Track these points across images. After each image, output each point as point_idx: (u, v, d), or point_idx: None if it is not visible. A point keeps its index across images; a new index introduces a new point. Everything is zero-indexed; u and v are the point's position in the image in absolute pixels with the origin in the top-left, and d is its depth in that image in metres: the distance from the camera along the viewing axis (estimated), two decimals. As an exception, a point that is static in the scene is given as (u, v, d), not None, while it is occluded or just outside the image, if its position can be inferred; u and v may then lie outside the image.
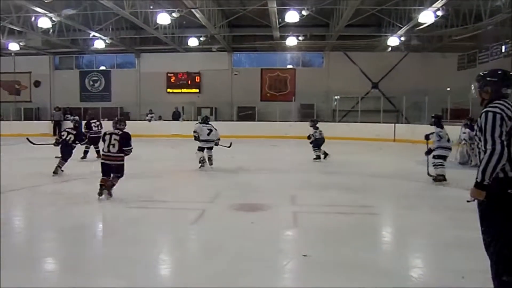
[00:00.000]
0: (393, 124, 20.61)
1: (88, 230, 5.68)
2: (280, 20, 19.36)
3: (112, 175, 7.13)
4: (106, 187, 7.01)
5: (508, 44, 19.28)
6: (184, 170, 11.24)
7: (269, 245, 4.84)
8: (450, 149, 9.45)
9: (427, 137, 9.61)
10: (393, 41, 20.99)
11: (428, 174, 9.23)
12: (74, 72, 27.46)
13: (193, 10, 17.01)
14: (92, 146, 12.52)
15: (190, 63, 26.13)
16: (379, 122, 20.69)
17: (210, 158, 10.79)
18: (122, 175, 7.22)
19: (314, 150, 12.41)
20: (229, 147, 11.49)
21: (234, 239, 5.04)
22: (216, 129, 10.86)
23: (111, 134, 7.18)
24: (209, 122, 11.11)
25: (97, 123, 12.96)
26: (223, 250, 4.63)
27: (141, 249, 4.67)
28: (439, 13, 16.10)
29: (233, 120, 24.04)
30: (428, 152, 9.32)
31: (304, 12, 17.09)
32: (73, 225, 5.62)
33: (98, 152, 11.92)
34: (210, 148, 10.80)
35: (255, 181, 9.22)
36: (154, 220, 6.00)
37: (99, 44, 22.13)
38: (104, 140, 7.22)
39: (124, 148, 7.09)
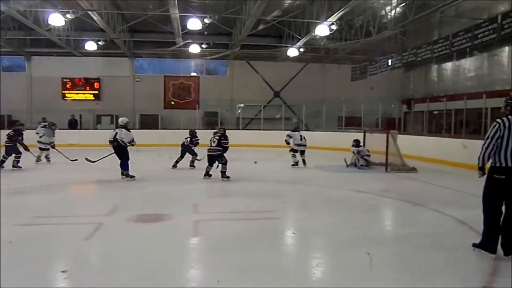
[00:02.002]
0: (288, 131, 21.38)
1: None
2: (182, 27, 19.26)
3: (217, 163, 10.31)
4: (210, 172, 10.41)
5: (394, 58, 20.98)
6: (82, 182, 10.72)
7: (170, 255, 4.76)
8: (301, 145, 13.18)
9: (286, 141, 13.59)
10: (292, 52, 21.86)
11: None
12: (-50, 76, 24.77)
13: (89, 12, 16.29)
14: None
15: (88, 68, 24.99)
16: (281, 130, 21.34)
17: (46, 156, 13.88)
18: (225, 162, 10.30)
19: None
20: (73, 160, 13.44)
21: (131, 252, 4.87)
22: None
23: (214, 135, 10.55)
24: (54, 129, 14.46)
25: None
26: (119, 265, 4.44)
27: (30, 270, 4.27)
28: (333, 27, 17.10)
29: (135, 128, 23.31)
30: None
31: (206, 20, 17.14)
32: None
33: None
34: (46, 149, 13.90)
35: (157, 191, 9.03)
36: (46, 237, 5.48)
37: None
38: (210, 140, 10.50)
39: (222, 142, 10.32)
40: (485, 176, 4.71)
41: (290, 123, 22.53)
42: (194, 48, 22.05)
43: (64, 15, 15.88)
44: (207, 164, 10.55)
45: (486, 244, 4.63)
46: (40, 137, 13.97)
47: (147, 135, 20.44)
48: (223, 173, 10.27)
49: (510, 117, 4.53)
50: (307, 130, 22.32)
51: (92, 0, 15.79)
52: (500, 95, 15.16)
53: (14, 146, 12.27)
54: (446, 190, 9.51)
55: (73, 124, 23.23)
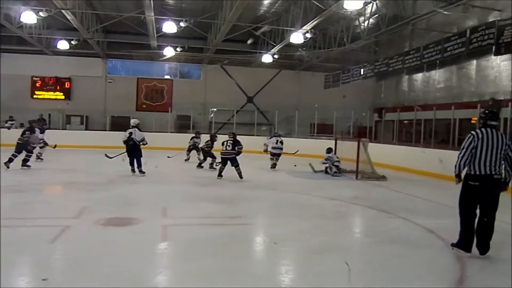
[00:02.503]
0: (265, 137, 21.38)
1: None
2: (157, 29, 19.12)
3: (230, 164, 11.37)
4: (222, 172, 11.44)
5: (366, 67, 21.30)
6: (48, 183, 10.47)
7: (137, 260, 4.67)
8: (277, 148, 14.47)
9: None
10: (266, 58, 21.97)
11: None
12: None
13: (63, 11, 15.99)
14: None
15: (59, 67, 24.51)
16: (253, 135, 21.38)
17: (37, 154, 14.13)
18: (238, 164, 11.38)
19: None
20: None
21: (99, 256, 4.78)
22: None
23: (227, 140, 11.52)
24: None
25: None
26: (84, 269, 4.35)
27: None
28: (308, 35, 17.28)
29: (105, 130, 22.92)
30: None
31: (182, 24, 17.06)
32: None
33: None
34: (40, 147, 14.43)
35: (126, 195, 8.90)
36: (8, 240, 5.20)
37: None
38: (223, 144, 11.49)
39: (236, 147, 11.39)
40: (461, 183, 5.16)
41: (262, 129, 22.65)
42: (169, 51, 21.93)
43: (37, 13, 15.50)
44: (220, 165, 11.63)
45: (462, 244, 5.11)
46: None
47: (119, 137, 20.04)
48: (239, 174, 11.37)
49: (483, 129, 5.04)
50: (279, 136, 22.36)
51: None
52: (468, 106, 15.63)
53: (25, 144, 12.10)
54: (415, 198, 9.68)
55: (41, 124, 22.66)
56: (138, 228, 6.08)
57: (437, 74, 19.97)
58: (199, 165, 13.96)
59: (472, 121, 14.93)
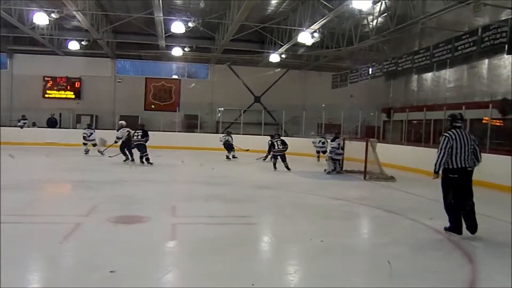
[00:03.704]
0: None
1: None
2: (166, 30, 19.22)
3: (281, 159, 13.89)
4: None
5: (374, 67, 21.19)
6: (59, 181, 10.58)
7: (146, 258, 4.72)
8: (320, 147, 17.28)
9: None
10: (274, 57, 21.99)
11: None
12: None
13: (74, 12, 16.14)
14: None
15: (70, 68, 24.78)
16: (260, 135, 21.43)
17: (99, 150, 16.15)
18: (286, 159, 13.85)
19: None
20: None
21: (109, 253, 4.83)
22: None
23: (276, 140, 14.14)
24: None
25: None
26: (97, 266, 4.39)
27: (6, 271, 4.13)
28: (316, 35, 17.24)
29: (114, 129, 23.03)
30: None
31: (190, 24, 17.13)
32: None
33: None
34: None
35: (136, 193, 8.94)
36: (21, 236, 5.40)
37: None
38: (273, 144, 14.22)
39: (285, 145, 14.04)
40: (439, 177, 6.10)
41: (269, 128, 22.68)
42: (177, 51, 22.03)
43: (49, 14, 15.67)
44: (273, 160, 14.12)
45: (454, 228, 5.95)
46: (89, 136, 16.95)
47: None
48: (287, 167, 13.73)
49: (453, 130, 5.96)
50: (286, 136, 22.37)
51: (77, 0, 15.64)
52: (479, 106, 15.46)
53: (144, 144, 14.01)
54: (423, 199, 9.61)
55: (52, 123, 22.93)
56: (148, 226, 6.15)
57: (448, 74, 19.80)
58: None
59: (484, 121, 14.78)
